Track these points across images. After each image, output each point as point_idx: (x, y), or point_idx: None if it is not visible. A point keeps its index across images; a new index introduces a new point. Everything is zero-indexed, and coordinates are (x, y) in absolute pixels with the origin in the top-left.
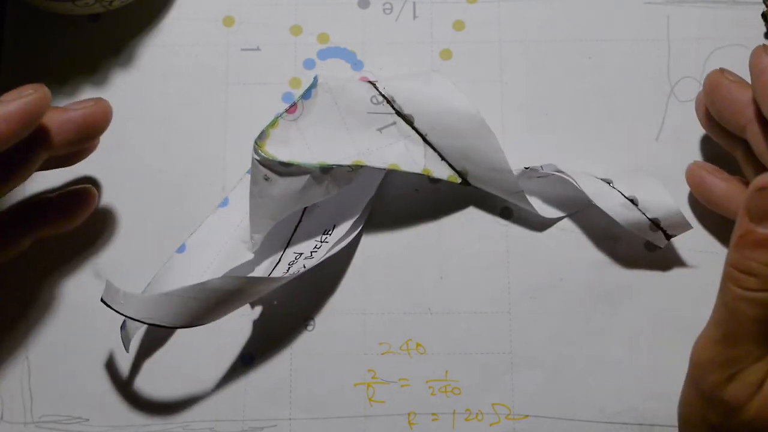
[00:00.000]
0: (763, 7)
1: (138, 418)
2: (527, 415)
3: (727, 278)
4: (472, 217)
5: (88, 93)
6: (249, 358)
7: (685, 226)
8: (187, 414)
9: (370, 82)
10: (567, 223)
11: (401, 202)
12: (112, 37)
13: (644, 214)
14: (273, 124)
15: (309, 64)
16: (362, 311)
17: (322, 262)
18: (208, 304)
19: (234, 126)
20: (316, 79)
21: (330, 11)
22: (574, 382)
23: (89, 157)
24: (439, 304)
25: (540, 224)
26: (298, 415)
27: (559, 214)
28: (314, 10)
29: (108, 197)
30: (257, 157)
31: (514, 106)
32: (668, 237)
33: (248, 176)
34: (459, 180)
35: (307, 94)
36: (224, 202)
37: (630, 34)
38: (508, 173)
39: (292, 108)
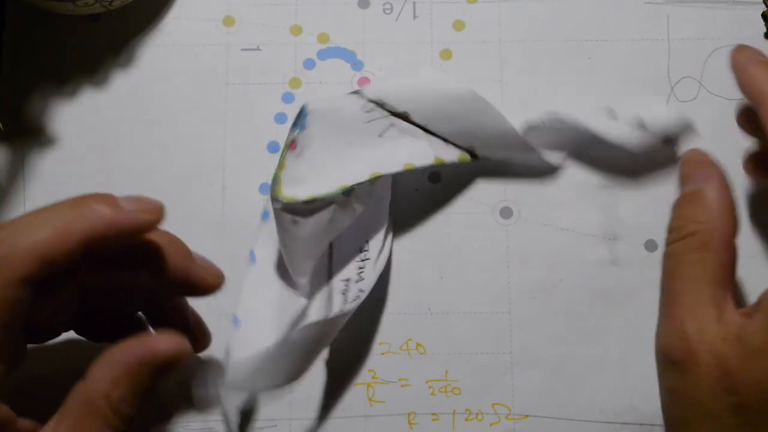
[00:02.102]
0: (763, 7)
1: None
2: (527, 415)
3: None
4: (472, 217)
5: (88, 93)
6: None
7: (691, 129)
8: (187, 414)
9: (355, 92)
10: (567, 223)
11: (401, 202)
12: (112, 37)
13: (653, 132)
14: (281, 166)
15: (309, 64)
16: (362, 311)
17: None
18: (298, 356)
19: (234, 126)
20: (304, 108)
21: (330, 11)
22: (574, 382)
23: (89, 158)
24: (439, 304)
25: (540, 224)
26: (298, 415)
27: (566, 157)
28: (314, 10)
29: None
30: (278, 206)
31: (514, 106)
32: (677, 147)
33: (265, 225)
34: (469, 158)
35: (302, 126)
36: (252, 259)
37: (630, 34)
38: (512, 131)
39: (292, 145)
